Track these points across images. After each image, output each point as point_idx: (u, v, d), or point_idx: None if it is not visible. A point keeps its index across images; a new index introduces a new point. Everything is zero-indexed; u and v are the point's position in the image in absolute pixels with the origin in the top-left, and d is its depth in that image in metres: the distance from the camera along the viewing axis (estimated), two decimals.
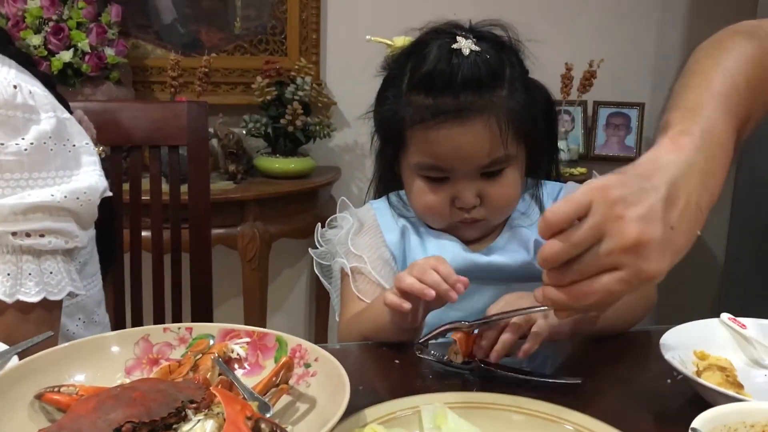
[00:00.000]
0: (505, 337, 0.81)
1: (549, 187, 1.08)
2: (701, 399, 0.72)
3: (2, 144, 0.82)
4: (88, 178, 0.90)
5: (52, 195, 0.85)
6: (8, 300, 0.84)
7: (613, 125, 2.57)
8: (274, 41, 2.42)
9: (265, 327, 0.77)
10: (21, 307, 0.85)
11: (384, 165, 1.09)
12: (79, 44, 2.05)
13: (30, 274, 0.85)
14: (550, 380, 0.78)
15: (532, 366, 0.83)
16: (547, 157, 1.07)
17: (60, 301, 0.90)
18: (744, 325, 0.83)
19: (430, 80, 0.94)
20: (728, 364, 0.79)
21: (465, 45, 0.94)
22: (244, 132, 2.25)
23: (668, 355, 0.75)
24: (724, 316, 0.84)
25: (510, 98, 0.96)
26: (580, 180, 1.17)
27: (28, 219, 0.83)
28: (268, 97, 2.21)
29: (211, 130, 2.08)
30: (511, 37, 1.01)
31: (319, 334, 2.49)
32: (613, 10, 2.58)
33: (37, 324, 0.86)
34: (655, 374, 0.80)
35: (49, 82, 0.98)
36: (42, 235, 0.85)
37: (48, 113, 0.88)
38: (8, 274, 0.84)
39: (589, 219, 0.63)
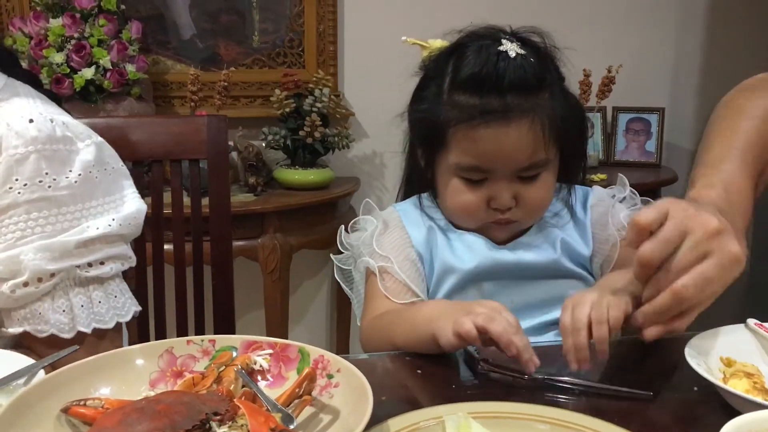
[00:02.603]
0: (600, 334, 0.78)
1: (577, 192, 1.10)
2: (729, 406, 0.71)
3: (55, 180, 0.84)
4: (133, 202, 0.94)
5: (109, 225, 0.88)
6: (88, 330, 0.87)
7: (633, 131, 2.55)
8: (292, 54, 2.44)
9: (286, 338, 0.78)
10: (97, 333, 0.89)
11: (413, 167, 1.10)
12: (101, 61, 2.08)
13: (100, 302, 0.89)
14: (624, 390, 0.76)
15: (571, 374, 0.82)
16: (577, 162, 1.08)
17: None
18: None
19: (477, 81, 0.95)
20: (755, 371, 0.77)
21: (511, 48, 0.95)
22: (263, 144, 2.26)
23: (694, 362, 0.73)
24: (750, 321, 0.83)
25: (552, 102, 0.97)
26: (601, 187, 1.17)
27: (90, 250, 0.87)
28: (287, 110, 2.22)
29: (230, 143, 2.09)
30: (548, 45, 1.02)
31: (340, 345, 2.49)
32: (630, 15, 2.57)
33: (111, 345, 0.90)
34: (681, 382, 0.79)
35: (55, 99, 0.99)
36: (102, 263, 0.88)
37: (85, 141, 0.90)
38: (82, 306, 0.87)
39: (670, 221, 0.72)
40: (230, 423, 0.61)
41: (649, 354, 0.80)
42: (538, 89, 0.96)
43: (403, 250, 1.04)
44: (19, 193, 0.82)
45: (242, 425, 0.60)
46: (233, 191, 2.12)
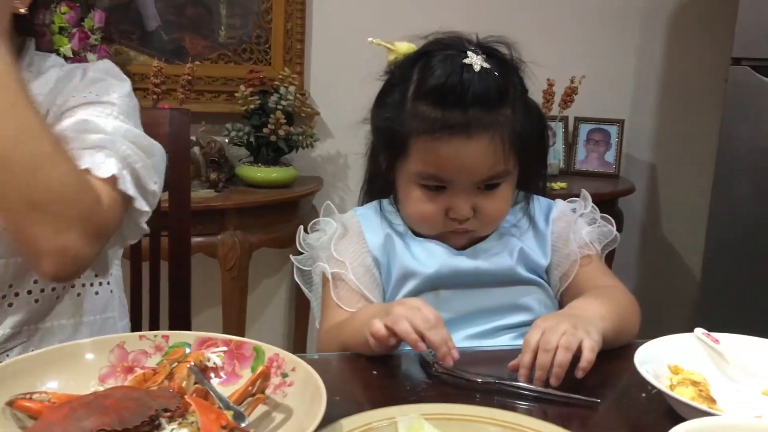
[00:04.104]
0: (563, 359, 0.79)
1: (540, 203, 1.11)
2: (675, 413, 0.72)
3: (116, 94, 1.07)
4: None
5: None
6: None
7: (593, 141, 2.60)
8: (259, 50, 2.42)
9: (243, 336, 0.77)
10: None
11: (374, 169, 1.10)
12: (62, 49, 2.04)
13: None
14: (572, 396, 0.77)
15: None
16: (538, 172, 1.09)
17: None
18: (717, 340, 0.84)
19: (440, 93, 0.95)
20: (702, 379, 0.79)
21: (476, 61, 0.95)
22: (226, 140, 2.24)
23: (643, 369, 0.75)
24: (698, 330, 0.85)
25: (513, 117, 0.98)
26: (561, 195, 1.18)
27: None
28: (251, 106, 2.21)
29: (193, 137, 2.07)
30: (514, 56, 1.02)
31: (298, 344, 2.48)
32: (595, 27, 2.62)
33: None
34: (629, 388, 0.81)
35: None
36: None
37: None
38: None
39: None
40: (180, 420, 0.60)
41: (600, 360, 0.81)
42: (500, 104, 0.97)
43: (359, 256, 1.05)
44: (84, 96, 1.04)
45: (192, 422, 0.60)
46: (194, 187, 2.09)
